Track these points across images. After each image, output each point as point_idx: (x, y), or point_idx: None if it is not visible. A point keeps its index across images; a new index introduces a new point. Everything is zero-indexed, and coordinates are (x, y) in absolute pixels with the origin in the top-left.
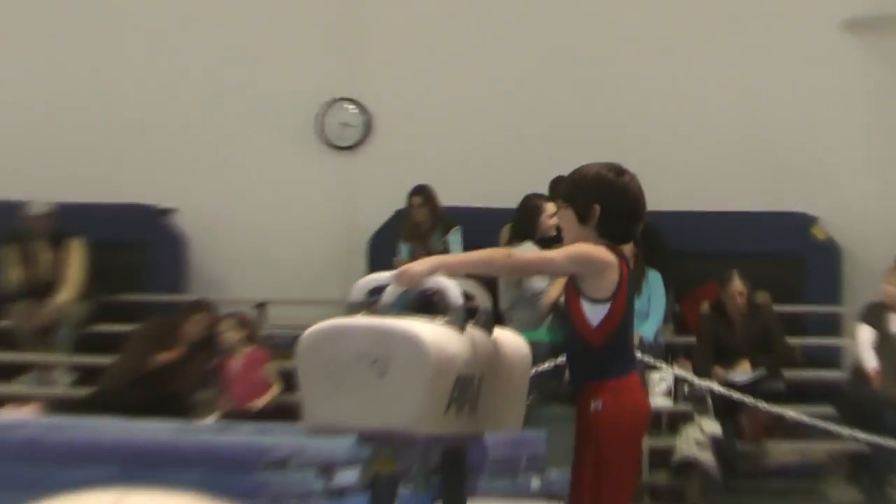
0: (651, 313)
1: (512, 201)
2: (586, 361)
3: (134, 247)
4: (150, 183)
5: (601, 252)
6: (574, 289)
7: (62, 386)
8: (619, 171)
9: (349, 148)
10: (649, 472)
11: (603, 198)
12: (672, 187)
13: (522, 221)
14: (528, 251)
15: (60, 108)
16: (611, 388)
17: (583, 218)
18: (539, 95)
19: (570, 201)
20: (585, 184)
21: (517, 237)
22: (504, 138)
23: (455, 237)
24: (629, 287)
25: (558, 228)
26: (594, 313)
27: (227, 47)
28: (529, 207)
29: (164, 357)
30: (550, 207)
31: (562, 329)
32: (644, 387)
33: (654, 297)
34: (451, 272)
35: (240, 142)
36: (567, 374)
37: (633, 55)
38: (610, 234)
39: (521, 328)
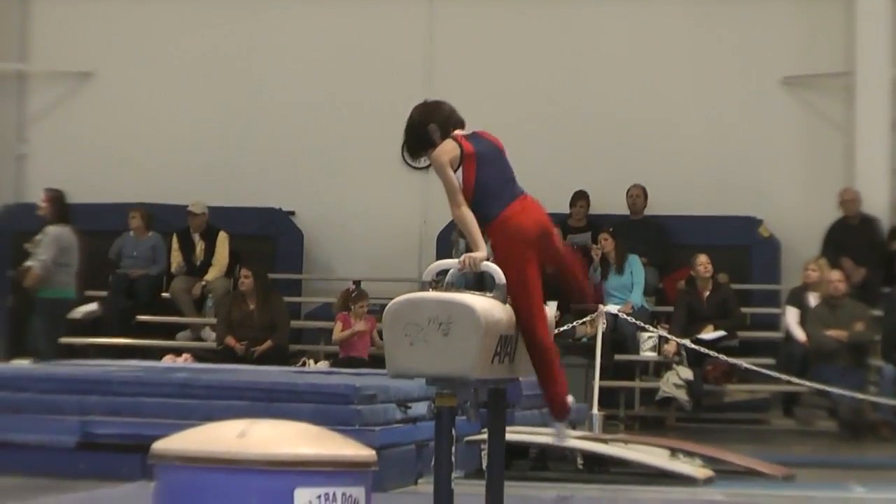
0: (634, 285)
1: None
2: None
3: (265, 239)
4: (277, 192)
5: (448, 148)
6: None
7: (209, 341)
8: (421, 105)
9: (423, 168)
10: (639, 406)
11: (429, 119)
12: (662, 199)
13: None
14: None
15: (213, 136)
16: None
17: (433, 143)
18: (566, 123)
19: (422, 145)
20: (414, 129)
21: None
22: (534, 161)
23: None
24: (480, 148)
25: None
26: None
27: (339, 98)
28: None
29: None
30: None
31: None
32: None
33: (635, 273)
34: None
35: (344, 163)
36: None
37: (635, 106)
38: (448, 130)
39: None
